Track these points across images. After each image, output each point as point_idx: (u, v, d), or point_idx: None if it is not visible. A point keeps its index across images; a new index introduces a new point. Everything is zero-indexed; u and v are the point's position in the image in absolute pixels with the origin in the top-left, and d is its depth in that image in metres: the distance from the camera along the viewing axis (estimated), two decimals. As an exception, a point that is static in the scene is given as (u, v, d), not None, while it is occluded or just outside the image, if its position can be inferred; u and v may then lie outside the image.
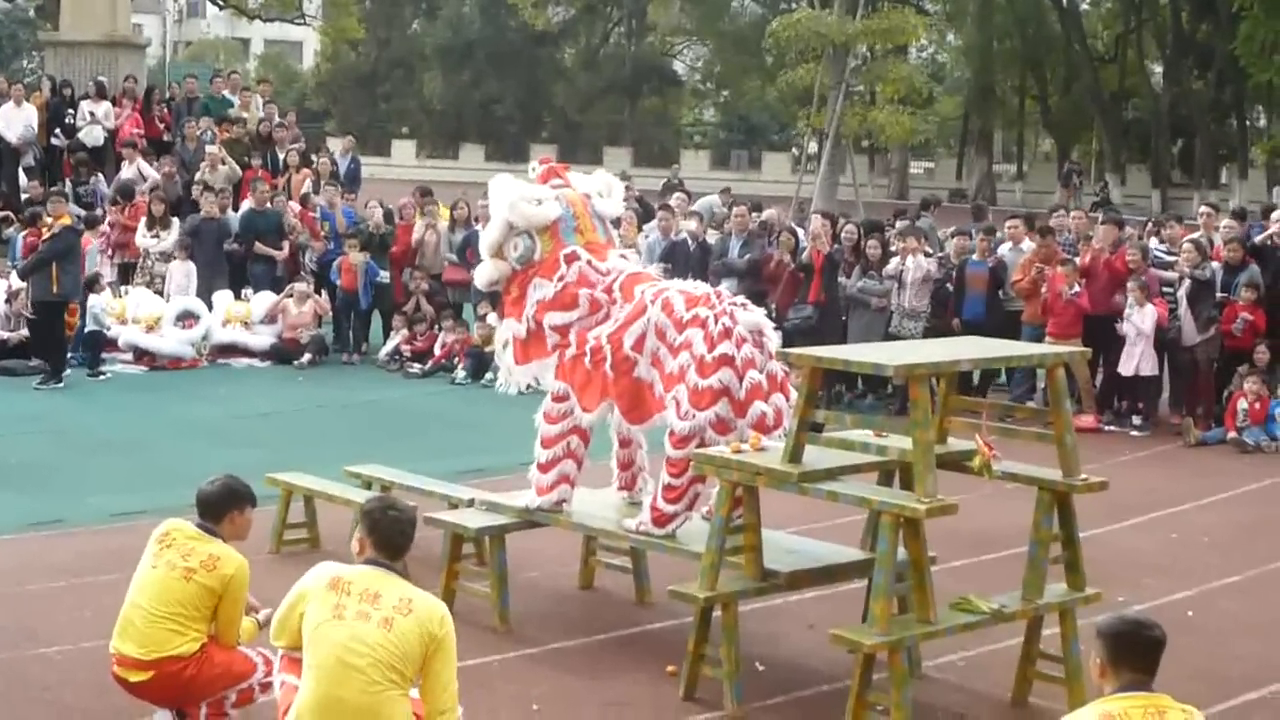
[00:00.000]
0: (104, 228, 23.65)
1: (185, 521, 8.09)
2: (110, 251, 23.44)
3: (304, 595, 6.71)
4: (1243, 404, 17.71)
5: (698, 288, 10.18)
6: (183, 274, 22.51)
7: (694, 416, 9.47)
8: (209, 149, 25.97)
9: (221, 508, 8.08)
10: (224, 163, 25.68)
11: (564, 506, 10.40)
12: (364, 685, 6.42)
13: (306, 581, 6.75)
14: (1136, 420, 18.56)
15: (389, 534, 6.72)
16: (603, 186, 10.90)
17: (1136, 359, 18.21)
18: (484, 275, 10.84)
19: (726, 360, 9.47)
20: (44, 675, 8.31)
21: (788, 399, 9.53)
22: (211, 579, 7.82)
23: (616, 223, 11.30)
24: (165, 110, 29.31)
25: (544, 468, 10.40)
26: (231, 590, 7.89)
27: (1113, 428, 18.48)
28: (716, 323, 9.55)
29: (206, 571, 7.82)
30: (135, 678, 7.82)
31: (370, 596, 6.53)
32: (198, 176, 25.30)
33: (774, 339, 9.86)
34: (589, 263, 10.31)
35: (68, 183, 25.64)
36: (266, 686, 7.85)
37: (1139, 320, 18.13)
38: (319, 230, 23.77)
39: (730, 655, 8.92)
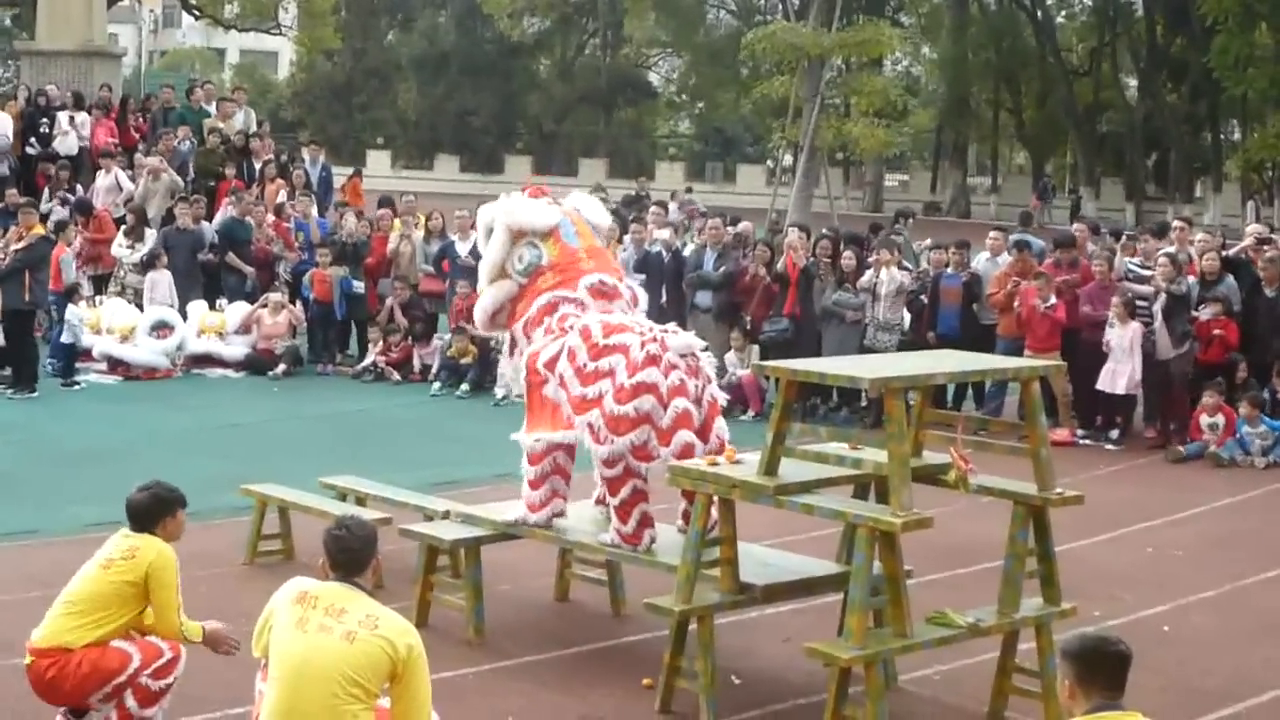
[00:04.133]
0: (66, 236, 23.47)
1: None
2: (81, 264, 23.32)
3: (274, 609, 6.76)
4: (1205, 419, 17.76)
5: (630, 318, 10.20)
6: (162, 283, 22.42)
7: (612, 442, 9.52)
8: (148, 160, 25.86)
9: (153, 516, 8.10)
10: (164, 172, 25.54)
11: (557, 521, 10.38)
12: (323, 697, 6.43)
13: (277, 596, 6.81)
14: (1113, 434, 18.58)
15: (335, 552, 6.75)
16: (581, 203, 10.96)
17: (1121, 375, 18.23)
18: (486, 305, 10.68)
19: (648, 387, 9.48)
20: (19, 685, 8.27)
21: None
22: (129, 568, 7.85)
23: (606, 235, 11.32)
24: (141, 119, 29.24)
25: (534, 484, 10.34)
26: (156, 576, 7.87)
27: (1088, 441, 18.50)
28: (642, 349, 9.55)
29: (125, 561, 7.86)
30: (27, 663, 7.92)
31: (335, 611, 6.57)
32: (140, 187, 25.21)
33: (708, 361, 9.91)
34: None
35: (48, 192, 25.54)
36: (161, 671, 7.91)
37: (1122, 336, 18.15)
38: (293, 241, 23.75)
39: (706, 668, 8.91)
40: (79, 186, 26.27)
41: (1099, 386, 18.45)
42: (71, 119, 27.63)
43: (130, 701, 7.93)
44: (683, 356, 9.61)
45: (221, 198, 24.73)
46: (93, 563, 8.00)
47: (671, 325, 10.26)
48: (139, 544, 7.95)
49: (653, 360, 9.51)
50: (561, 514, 10.39)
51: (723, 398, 10.04)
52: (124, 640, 7.95)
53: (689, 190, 49.33)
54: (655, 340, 9.61)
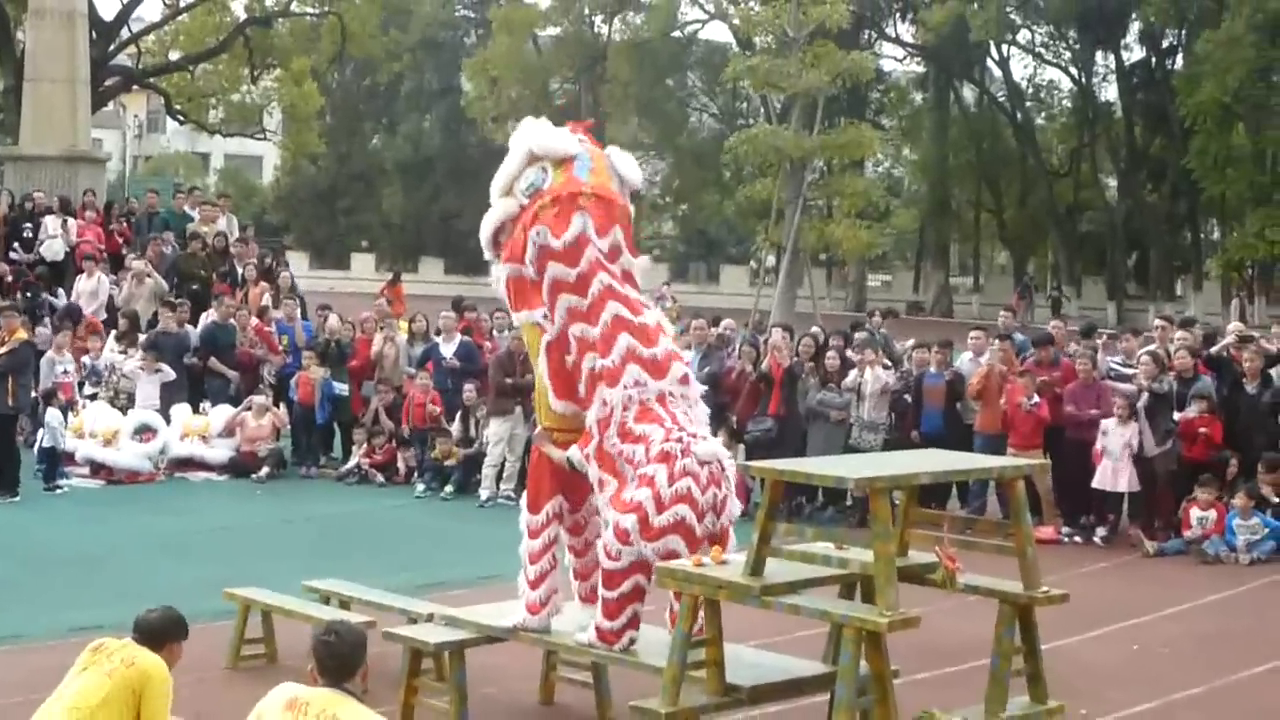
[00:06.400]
0: (60, 340, 23.37)
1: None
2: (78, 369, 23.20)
3: (260, 715, 6.66)
4: (1197, 513, 17.76)
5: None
6: (151, 386, 22.40)
7: (644, 545, 9.46)
8: (135, 264, 25.91)
9: (162, 637, 8.04)
10: (150, 277, 25.59)
11: (553, 623, 10.32)
12: None
13: (264, 702, 6.71)
14: (1101, 531, 18.57)
15: (325, 658, 6.70)
16: (621, 156, 10.83)
17: (1121, 473, 18.24)
18: (491, 217, 10.63)
19: (648, 481, 9.47)
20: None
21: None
22: (130, 674, 7.76)
23: (634, 197, 11.06)
24: (125, 224, 29.32)
25: (534, 584, 10.30)
26: (152, 686, 7.78)
27: (1076, 539, 18.48)
28: (663, 443, 9.54)
29: (125, 667, 7.77)
30: None
31: (327, 717, 6.49)
32: (124, 291, 25.24)
33: (731, 471, 9.84)
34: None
35: (19, 296, 25.53)
36: None
37: (1121, 435, 18.15)
38: (276, 344, 23.77)
39: (693, 771, 8.84)
40: (60, 290, 26.27)
41: (1096, 484, 18.45)
42: (64, 223, 27.69)
43: None
44: (704, 464, 9.59)
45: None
46: (88, 667, 7.84)
47: (703, 428, 10.18)
48: (137, 655, 7.85)
49: (665, 458, 9.52)
50: (561, 612, 10.34)
51: (736, 509, 9.93)
52: None
53: (666, 284, 49.86)
54: (680, 440, 9.60)
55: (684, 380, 10.17)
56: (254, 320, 24.21)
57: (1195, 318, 24.36)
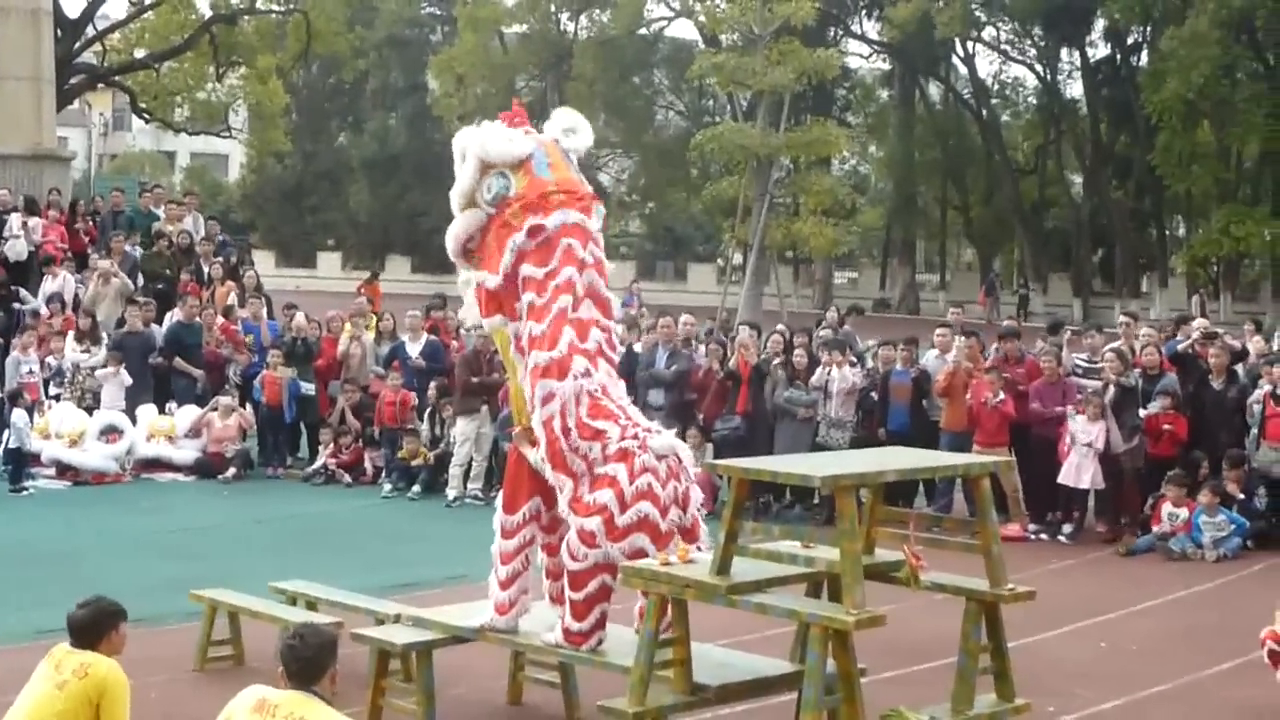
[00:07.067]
0: (25, 340, 23.25)
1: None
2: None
3: (229, 717, 6.64)
4: (1168, 509, 17.80)
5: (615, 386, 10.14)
6: (117, 387, 22.33)
7: (610, 547, 9.46)
8: (100, 263, 25.79)
9: (97, 631, 7.89)
10: (116, 276, 25.47)
11: (520, 623, 10.31)
12: None
13: (233, 704, 6.69)
14: (1067, 528, 18.62)
15: (289, 661, 6.67)
16: (567, 123, 10.77)
17: (1086, 470, 18.29)
18: (456, 231, 10.58)
19: (609, 481, 9.48)
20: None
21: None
22: (85, 685, 7.61)
23: (600, 193, 10.95)
24: (90, 224, 29.17)
25: (504, 584, 10.28)
26: (110, 692, 7.66)
27: (1043, 536, 18.54)
28: (619, 441, 9.55)
29: (78, 680, 7.65)
30: None
31: (295, 720, 6.47)
32: (90, 290, 25.12)
33: (689, 462, 9.86)
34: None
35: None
36: None
37: (1088, 432, 18.20)
38: (242, 343, 23.68)
39: (661, 771, 8.85)
40: (22, 290, 26.14)
41: (1061, 480, 18.50)
42: (24, 223, 27.51)
43: None
44: (661, 458, 9.59)
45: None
46: (43, 682, 7.72)
47: (655, 423, 10.14)
48: (89, 661, 7.70)
49: (623, 456, 9.50)
50: (528, 612, 10.33)
51: (698, 498, 9.94)
52: None
53: (634, 282, 49.85)
54: (635, 437, 9.60)
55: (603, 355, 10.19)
56: (220, 319, 24.11)
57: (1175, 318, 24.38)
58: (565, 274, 10.03)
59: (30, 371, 22.22)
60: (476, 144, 10.48)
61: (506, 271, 10.19)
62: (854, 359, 20.66)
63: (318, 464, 21.99)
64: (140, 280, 26.27)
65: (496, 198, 10.32)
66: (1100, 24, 64.65)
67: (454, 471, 20.31)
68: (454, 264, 10.97)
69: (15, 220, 27.42)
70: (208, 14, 51.08)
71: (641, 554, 9.33)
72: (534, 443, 10.14)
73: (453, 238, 10.68)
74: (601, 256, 10.37)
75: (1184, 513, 17.75)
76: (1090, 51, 67.18)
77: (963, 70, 72.68)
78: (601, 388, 9.92)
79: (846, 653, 8.66)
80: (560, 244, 10.11)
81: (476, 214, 10.48)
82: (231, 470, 21.83)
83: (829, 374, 19.57)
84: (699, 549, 9.47)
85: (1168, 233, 67.61)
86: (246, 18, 51.89)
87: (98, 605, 7.98)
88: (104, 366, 22.52)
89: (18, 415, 20.54)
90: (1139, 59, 64.43)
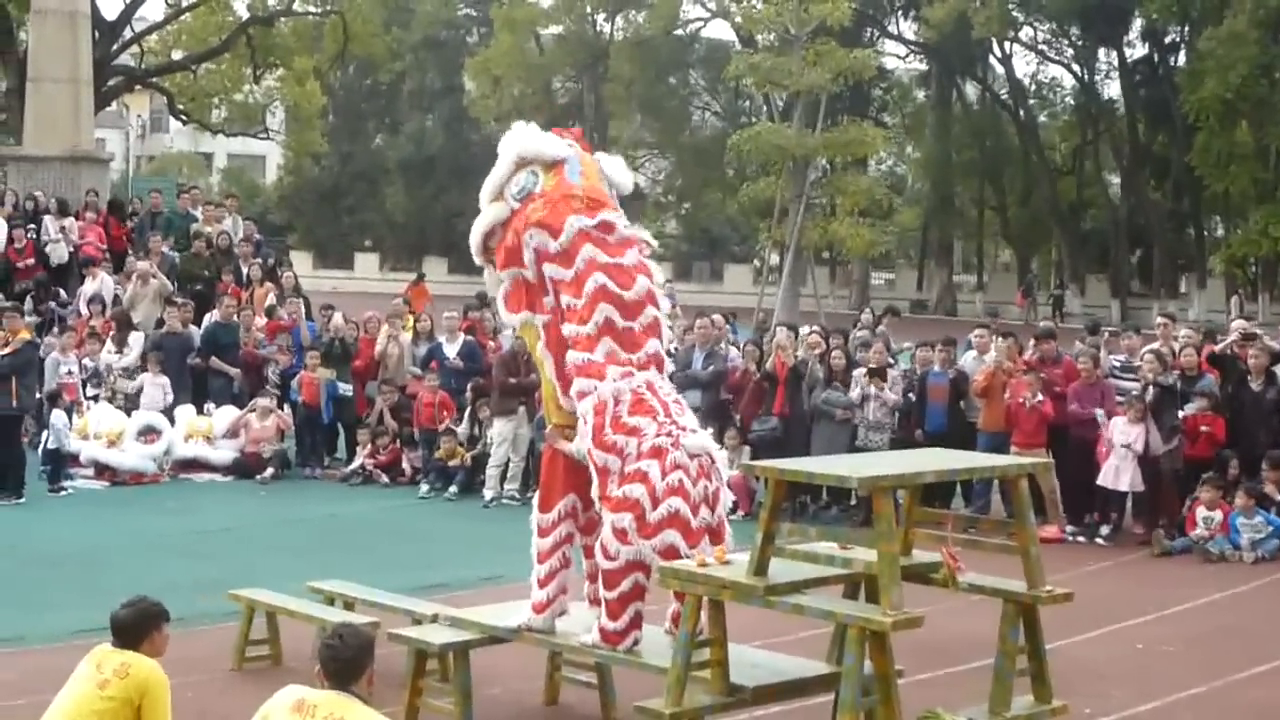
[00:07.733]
0: (64, 340, 23.32)
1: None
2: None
3: (267, 717, 6.65)
4: (1203, 512, 17.72)
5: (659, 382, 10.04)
6: (156, 388, 22.42)
7: (642, 543, 9.43)
8: (139, 265, 25.88)
9: (140, 631, 7.91)
10: (155, 277, 25.54)
11: (558, 624, 10.30)
12: None
13: (271, 703, 6.70)
14: (1105, 530, 18.55)
15: (328, 661, 6.69)
16: (615, 162, 10.82)
17: (1125, 472, 18.22)
18: (482, 222, 10.59)
19: (640, 476, 9.44)
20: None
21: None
22: (126, 685, 7.63)
23: (634, 197, 10.87)
24: (128, 225, 29.29)
25: (542, 582, 10.26)
26: (151, 693, 7.68)
27: (1080, 538, 18.47)
28: (655, 438, 9.50)
29: (119, 679, 7.66)
30: None
31: (334, 720, 6.49)
32: (129, 291, 25.21)
33: (722, 463, 9.83)
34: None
35: (28, 300, 25.51)
36: None
37: (1127, 434, 18.12)
38: (282, 344, 23.72)
39: (697, 771, 8.84)
40: (62, 291, 26.28)
41: (1100, 482, 18.43)
42: (62, 227, 27.65)
43: None
44: (694, 457, 9.58)
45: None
46: (84, 682, 7.72)
47: (691, 420, 10.12)
48: (130, 661, 7.71)
49: (656, 452, 9.50)
50: (566, 611, 10.34)
51: (728, 500, 9.91)
52: None
53: (669, 282, 49.76)
54: (669, 435, 9.57)
55: (658, 361, 10.12)
56: (260, 320, 24.14)
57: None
58: (596, 280, 9.96)
59: (69, 372, 22.30)
60: (517, 141, 10.50)
61: (531, 267, 10.18)
62: (894, 377, 20.48)
63: (355, 464, 22.04)
64: (177, 282, 26.34)
65: (523, 192, 10.30)
66: (1138, 24, 64.53)
67: (491, 472, 20.33)
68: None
69: (51, 223, 27.56)
70: (245, 16, 51.35)
71: (673, 550, 9.32)
72: (569, 438, 10.14)
73: (476, 231, 10.69)
74: (642, 260, 10.29)
75: (1218, 515, 17.67)
76: (1128, 51, 67.06)
77: (1000, 70, 72.59)
78: (648, 384, 9.87)
79: (884, 654, 8.65)
80: (582, 249, 10.02)
81: (501, 208, 10.47)
82: (269, 471, 21.89)
83: (869, 390, 19.41)
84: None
85: (1206, 233, 67.33)
86: (284, 19, 52.15)
87: (141, 605, 7.99)
88: (138, 367, 22.61)
89: (56, 416, 20.62)
90: (1177, 59, 64.28)
